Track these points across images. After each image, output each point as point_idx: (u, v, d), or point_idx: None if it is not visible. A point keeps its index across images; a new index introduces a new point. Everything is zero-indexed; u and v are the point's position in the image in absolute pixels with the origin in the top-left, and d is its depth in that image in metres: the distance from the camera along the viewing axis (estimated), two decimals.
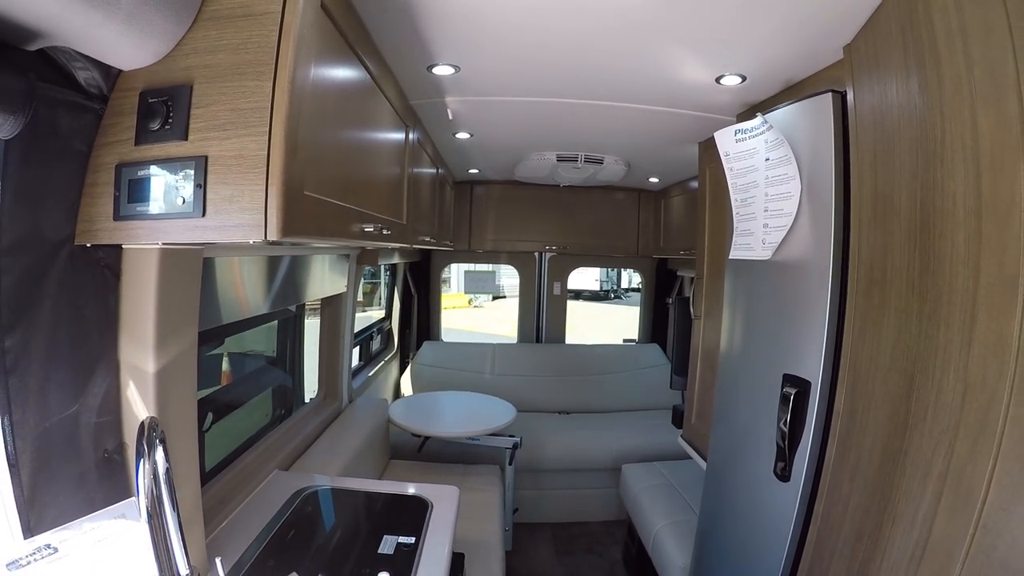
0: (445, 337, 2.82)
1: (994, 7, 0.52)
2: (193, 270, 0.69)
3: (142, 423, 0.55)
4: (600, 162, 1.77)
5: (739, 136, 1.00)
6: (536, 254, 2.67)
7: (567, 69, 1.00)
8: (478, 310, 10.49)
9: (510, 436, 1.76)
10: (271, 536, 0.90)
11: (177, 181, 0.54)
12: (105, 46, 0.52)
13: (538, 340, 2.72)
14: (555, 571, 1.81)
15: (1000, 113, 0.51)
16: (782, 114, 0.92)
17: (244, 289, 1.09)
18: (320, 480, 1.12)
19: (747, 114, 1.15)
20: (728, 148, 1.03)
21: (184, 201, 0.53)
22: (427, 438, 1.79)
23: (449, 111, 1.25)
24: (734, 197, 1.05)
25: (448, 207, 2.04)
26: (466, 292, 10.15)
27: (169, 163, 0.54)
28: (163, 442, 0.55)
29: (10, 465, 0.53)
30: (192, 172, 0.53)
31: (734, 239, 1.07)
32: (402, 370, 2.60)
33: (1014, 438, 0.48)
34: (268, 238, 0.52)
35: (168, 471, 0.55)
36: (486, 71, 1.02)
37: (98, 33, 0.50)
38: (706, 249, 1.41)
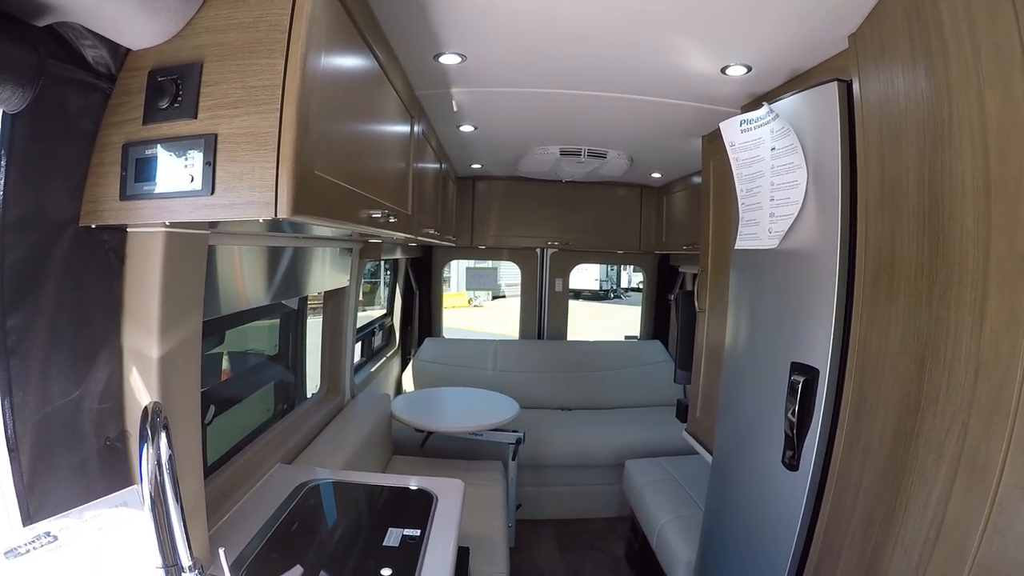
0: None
1: None
2: (198, 255, 0.68)
3: (145, 408, 0.54)
4: (603, 156, 1.78)
5: (744, 126, 1.00)
6: (538, 250, 2.67)
7: (573, 59, 1.00)
8: (478, 310, 10.48)
9: (513, 431, 1.75)
10: (274, 529, 0.88)
11: (186, 159, 0.53)
12: (116, 23, 0.52)
13: (540, 337, 2.72)
14: (558, 567, 1.80)
15: (1007, 94, 0.52)
16: (787, 103, 0.93)
17: (245, 280, 1.08)
18: (323, 474, 1.11)
19: (752, 105, 1.15)
20: (733, 138, 1.03)
21: (192, 179, 0.53)
22: (430, 433, 1.78)
23: (454, 102, 1.25)
24: (740, 187, 1.05)
25: (451, 202, 2.03)
26: (467, 289, 10.14)
27: (178, 141, 0.54)
28: (166, 428, 0.54)
29: (10, 450, 0.52)
30: (201, 150, 0.53)
31: (740, 229, 1.07)
32: (404, 367, 2.60)
33: None
34: (279, 215, 0.51)
35: (171, 458, 0.54)
36: (492, 60, 1.02)
37: (109, 10, 0.49)
38: (710, 243, 1.41)
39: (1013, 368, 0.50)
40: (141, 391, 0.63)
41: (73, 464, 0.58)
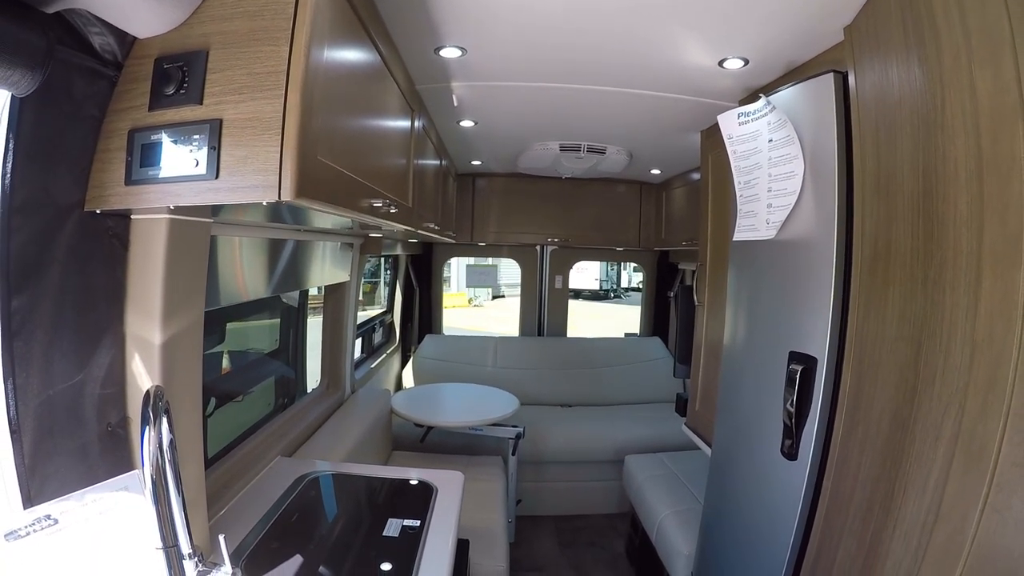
0: None
1: None
2: (201, 243, 0.69)
3: (147, 392, 0.54)
4: (602, 152, 1.79)
5: (742, 119, 1.01)
6: (538, 247, 2.68)
7: (572, 52, 1.01)
8: (478, 309, 10.48)
9: (513, 426, 1.75)
10: (274, 520, 0.89)
11: (190, 144, 0.54)
12: (124, 12, 0.53)
13: (540, 334, 2.73)
14: (559, 562, 1.79)
15: (997, 76, 0.53)
16: (784, 95, 0.94)
17: (246, 272, 1.08)
18: (323, 466, 1.11)
19: (749, 99, 1.16)
20: (731, 131, 1.04)
21: (197, 163, 0.53)
22: (430, 428, 1.78)
23: (454, 97, 1.26)
24: (738, 180, 1.06)
25: (451, 199, 2.04)
26: (467, 286, 10.12)
27: (183, 127, 0.54)
28: (167, 413, 0.54)
29: (12, 431, 0.52)
30: (206, 135, 0.53)
31: (738, 221, 1.07)
32: (404, 363, 2.60)
33: None
34: (282, 198, 0.52)
35: (172, 443, 0.54)
36: (492, 54, 1.03)
37: None
38: (709, 237, 1.42)
39: (1008, 347, 0.51)
40: (143, 377, 0.63)
41: (74, 448, 0.58)
